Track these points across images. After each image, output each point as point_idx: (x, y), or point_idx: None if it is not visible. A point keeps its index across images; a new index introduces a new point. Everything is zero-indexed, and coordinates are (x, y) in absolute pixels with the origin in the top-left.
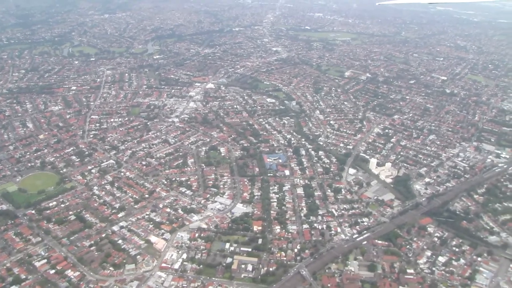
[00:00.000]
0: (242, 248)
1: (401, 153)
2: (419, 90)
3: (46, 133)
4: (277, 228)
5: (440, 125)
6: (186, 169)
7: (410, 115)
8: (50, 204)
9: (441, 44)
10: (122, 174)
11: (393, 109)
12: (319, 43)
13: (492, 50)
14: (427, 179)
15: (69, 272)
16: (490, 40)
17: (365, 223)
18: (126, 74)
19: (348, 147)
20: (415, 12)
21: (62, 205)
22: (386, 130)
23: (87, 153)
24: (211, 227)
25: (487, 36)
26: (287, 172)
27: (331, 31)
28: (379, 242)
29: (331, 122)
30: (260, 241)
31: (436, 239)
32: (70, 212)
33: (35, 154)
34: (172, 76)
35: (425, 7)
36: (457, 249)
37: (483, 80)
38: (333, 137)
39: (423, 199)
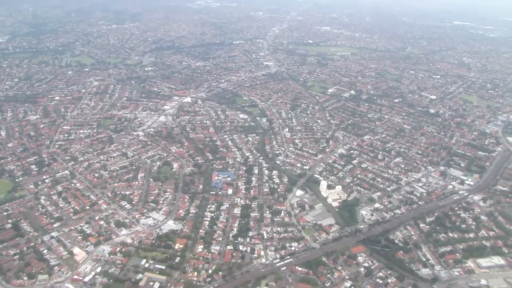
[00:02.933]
0: (156, 265)
1: (359, 175)
2: (401, 109)
3: (16, 141)
4: (200, 248)
5: (411, 147)
6: (134, 183)
7: (383, 135)
8: None
9: (444, 60)
10: (73, 185)
11: (366, 129)
12: (314, 58)
13: (497, 68)
14: (376, 205)
15: None
16: (499, 58)
17: (293, 248)
18: (112, 86)
19: (304, 167)
20: (429, 27)
21: (5, 213)
22: (351, 151)
23: (47, 162)
24: (135, 242)
25: (497, 53)
26: (230, 191)
27: (333, 46)
28: (299, 269)
29: (296, 140)
30: (177, 259)
31: (363, 269)
32: (10, 220)
33: None
34: (155, 89)
35: (442, 22)
36: (381, 281)
37: (476, 100)
38: (293, 156)
39: (365, 225)
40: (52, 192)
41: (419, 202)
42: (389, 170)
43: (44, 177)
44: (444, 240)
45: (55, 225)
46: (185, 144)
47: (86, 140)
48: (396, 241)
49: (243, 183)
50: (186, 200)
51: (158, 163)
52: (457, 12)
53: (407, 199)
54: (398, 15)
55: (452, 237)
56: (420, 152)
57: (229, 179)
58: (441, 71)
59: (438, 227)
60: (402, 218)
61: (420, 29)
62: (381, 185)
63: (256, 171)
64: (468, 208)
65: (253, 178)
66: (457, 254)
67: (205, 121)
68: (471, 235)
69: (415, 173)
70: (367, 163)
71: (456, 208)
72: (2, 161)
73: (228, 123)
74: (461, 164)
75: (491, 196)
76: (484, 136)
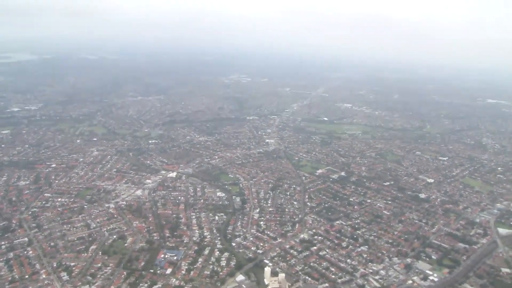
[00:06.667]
0: None
1: (312, 264)
2: (388, 193)
3: None
4: None
5: (383, 235)
6: (83, 254)
7: (357, 221)
8: None
9: (461, 141)
10: (25, 252)
11: (341, 213)
12: (320, 136)
13: None
14: None
15: None
16: None
17: None
18: (109, 156)
19: (258, 251)
20: (458, 105)
21: None
22: (315, 236)
23: (12, 228)
24: None
25: None
26: (168, 271)
27: (347, 123)
28: None
29: (261, 222)
30: None
31: None
32: None
33: None
34: (148, 162)
35: (474, 100)
36: None
37: (479, 184)
38: (251, 239)
39: None
40: (1, 259)
41: None
42: (348, 260)
43: (3, 242)
44: None
45: None
46: (150, 219)
47: (58, 209)
48: None
49: (187, 264)
50: (123, 276)
51: (114, 236)
52: (494, 90)
53: None
54: (429, 93)
55: None
56: (390, 241)
57: (175, 258)
58: (452, 153)
59: None
60: None
61: (447, 107)
62: (333, 276)
63: (206, 251)
64: None
65: (200, 259)
66: None
67: (179, 197)
68: None
69: (376, 264)
70: (327, 250)
71: None
72: None
73: (202, 200)
74: (433, 257)
75: None
76: (471, 226)
